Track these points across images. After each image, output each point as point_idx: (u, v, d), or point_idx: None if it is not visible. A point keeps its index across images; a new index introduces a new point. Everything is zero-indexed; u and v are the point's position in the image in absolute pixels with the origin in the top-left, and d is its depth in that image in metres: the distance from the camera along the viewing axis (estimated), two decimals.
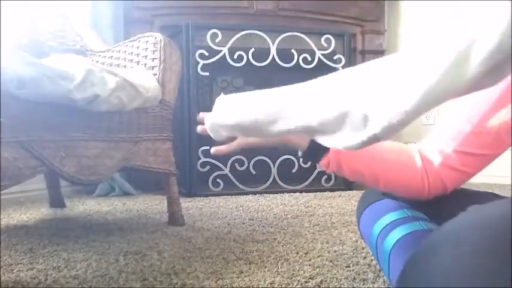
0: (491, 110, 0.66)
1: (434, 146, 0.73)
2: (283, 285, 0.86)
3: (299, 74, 2.65)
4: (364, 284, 0.87)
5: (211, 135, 0.68)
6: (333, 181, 2.33)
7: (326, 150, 0.74)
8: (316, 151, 0.74)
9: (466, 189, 0.84)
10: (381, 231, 0.77)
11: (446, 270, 0.36)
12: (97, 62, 1.57)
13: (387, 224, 0.77)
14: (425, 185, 0.73)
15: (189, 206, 1.81)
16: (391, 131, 0.45)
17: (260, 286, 0.86)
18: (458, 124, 0.70)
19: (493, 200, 0.74)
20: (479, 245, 0.36)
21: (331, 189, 2.26)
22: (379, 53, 2.68)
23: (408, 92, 0.43)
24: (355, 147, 0.49)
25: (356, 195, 2.07)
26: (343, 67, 2.33)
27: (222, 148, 0.77)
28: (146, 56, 1.42)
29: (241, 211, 1.68)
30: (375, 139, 0.46)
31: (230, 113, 0.62)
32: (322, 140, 0.53)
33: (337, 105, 0.48)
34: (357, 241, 1.19)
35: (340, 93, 0.49)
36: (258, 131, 0.59)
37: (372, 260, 1.01)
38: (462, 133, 0.70)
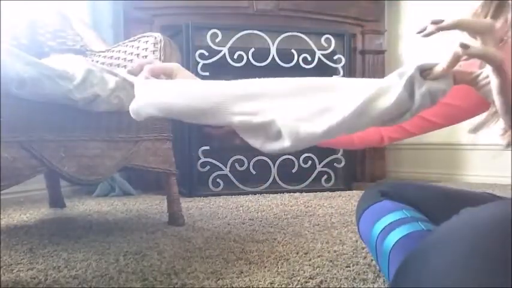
0: None
1: None
2: (283, 285, 0.86)
3: (299, 74, 2.65)
4: (364, 284, 0.87)
5: (132, 115, 0.66)
6: (333, 181, 2.33)
7: None
8: None
9: (465, 190, 0.84)
10: (380, 232, 0.77)
11: (438, 272, 0.37)
12: (97, 62, 1.57)
13: (386, 225, 0.77)
14: (367, 136, 0.79)
15: (189, 206, 1.81)
16: (299, 148, 0.53)
17: (260, 286, 0.86)
18: None
19: (491, 201, 0.74)
20: (471, 246, 0.36)
21: (331, 189, 2.26)
22: (379, 53, 2.68)
23: (319, 121, 0.51)
24: (267, 152, 0.55)
25: (356, 195, 2.07)
26: (343, 67, 2.33)
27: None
28: (146, 56, 1.41)
29: (241, 211, 1.68)
30: (283, 151, 0.54)
31: (165, 96, 0.61)
32: (243, 136, 0.58)
33: (260, 115, 0.54)
34: (357, 241, 1.19)
35: (265, 103, 0.55)
36: (188, 118, 0.60)
37: (371, 260, 1.01)
38: None
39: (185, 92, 0.59)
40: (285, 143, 0.52)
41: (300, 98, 0.54)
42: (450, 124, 0.78)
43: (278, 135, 0.53)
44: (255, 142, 0.56)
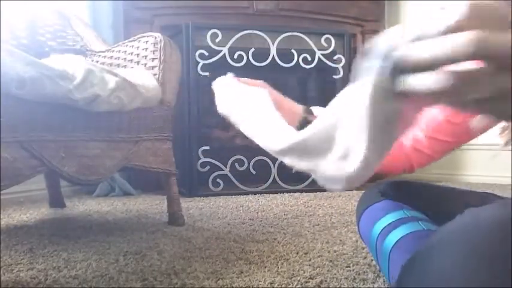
0: None
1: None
2: (283, 285, 0.86)
3: (299, 74, 2.65)
4: (364, 284, 0.87)
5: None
6: None
7: None
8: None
9: (466, 189, 0.84)
10: (380, 232, 0.77)
11: (442, 273, 0.37)
12: (97, 62, 1.57)
13: (387, 225, 0.77)
14: (396, 164, 0.80)
15: (189, 206, 1.81)
16: (361, 178, 0.41)
17: (260, 286, 0.86)
18: (431, 112, 0.76)
19: (492, 201, 0.74)
20: (474, 247, 0.36)
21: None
22: None
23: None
24: (333, 187, 0.44)
25: (356, 195, 2.07)
26: (343, 67, 2.33)
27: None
28: (146, 56, 1.41)
29: (241, 211, 1.68)
30: (347, 182, 0.42)
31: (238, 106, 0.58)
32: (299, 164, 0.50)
33: (327, 126, 0.43)
34: (357, 241, 1.19)
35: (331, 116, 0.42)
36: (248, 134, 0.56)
37: (371, 260, 1.01)
38: (435, 121, 0.76)
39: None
40: (350, 167, 0.41)
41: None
42: (468, 140, 0.79)
43: (345, 155, 0.41)
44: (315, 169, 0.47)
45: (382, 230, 0.77)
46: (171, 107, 1.43)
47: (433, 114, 0.76)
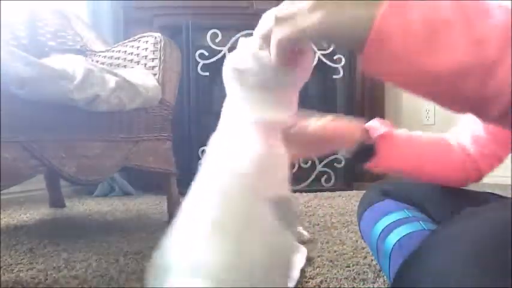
0: None
1: (468, 134, 0.76)
2: None
3: None
4: (364, 284, 0.87)
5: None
6: (333, 181, 2.33)
7: (372, 152, 0.73)
8: (363, 152, 0.73)
9: (467, 189, 0.84)
10: (381, 232, 0.77)
11: (439, 271, 0.37)
12: (97, 62, 1.57)
13: (388, 225, 0.77)
14: (466, 174, 0.77)
15: None
16: None
17: None
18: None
19: (493, 201, 0.74)
20: (471, 246, 0.36)
21: (331, 189, 2.26)
22: None
23: None
24: None
25: (356, 195, 2.07)
26: (343, 67, 2.33)
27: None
28: (146, 56, 1.41)
29: None
30: None
31: None
32: None
33: None
34: (357, 241, 1.19)
35: None
36: None
37: (372, 260, 1.01)
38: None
39: None
40: None
41: None
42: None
43: None
44: None
45: (383, 229, 0.77)
46: (171, 107, 1.43)
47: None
